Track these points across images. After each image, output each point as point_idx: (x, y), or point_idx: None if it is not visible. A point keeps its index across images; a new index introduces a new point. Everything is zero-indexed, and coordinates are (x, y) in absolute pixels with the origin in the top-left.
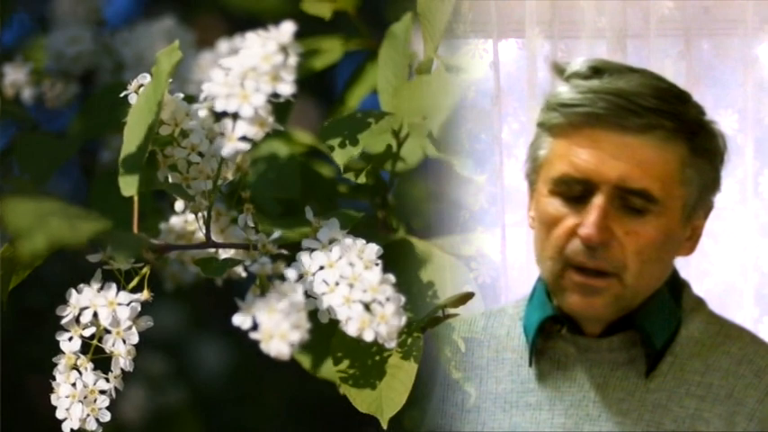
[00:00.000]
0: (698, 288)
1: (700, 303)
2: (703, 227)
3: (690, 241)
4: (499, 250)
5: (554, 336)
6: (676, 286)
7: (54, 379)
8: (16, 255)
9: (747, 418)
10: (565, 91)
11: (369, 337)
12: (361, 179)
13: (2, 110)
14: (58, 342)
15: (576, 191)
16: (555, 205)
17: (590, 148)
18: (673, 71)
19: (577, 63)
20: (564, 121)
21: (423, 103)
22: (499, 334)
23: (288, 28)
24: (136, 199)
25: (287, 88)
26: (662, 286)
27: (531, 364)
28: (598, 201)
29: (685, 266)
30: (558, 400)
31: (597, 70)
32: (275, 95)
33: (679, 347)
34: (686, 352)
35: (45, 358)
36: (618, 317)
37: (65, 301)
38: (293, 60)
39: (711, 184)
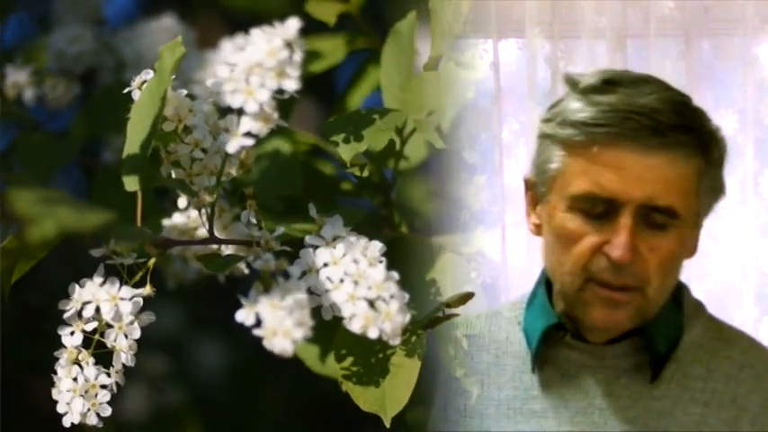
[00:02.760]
0: (698, 288)
1: (699, 307)
2: (702, 226)
3: (694, 244)
4: (499, 250)
5: (557, 342)
6: (677, 290)
7: (55, 377)
8: (25, 241)
9: (750, 422)
10: (582, 107)
11: (373, 334)
12: (365, 173)
13: (3, 110)
14: (58, 341)
15: (599, 209)
16: (576, 222)
17: (614, 167)
18: (673, 71)
19: (591, 76)
20: (586, 140)
21: (432, 98)
22: (498, 338)
23: (293, 24)
24: (139, 194)
25: (292, 84)
26: None
27: (534, 371)
28: (626, 221)
29: (685, 266)
30: (563, 407)
31: (611, 82)
32: (280, 91)
33: (682, 353)
34: (689, 357)
35: (45, 357)
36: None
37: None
38: (298, 56)
39: (720, 189)
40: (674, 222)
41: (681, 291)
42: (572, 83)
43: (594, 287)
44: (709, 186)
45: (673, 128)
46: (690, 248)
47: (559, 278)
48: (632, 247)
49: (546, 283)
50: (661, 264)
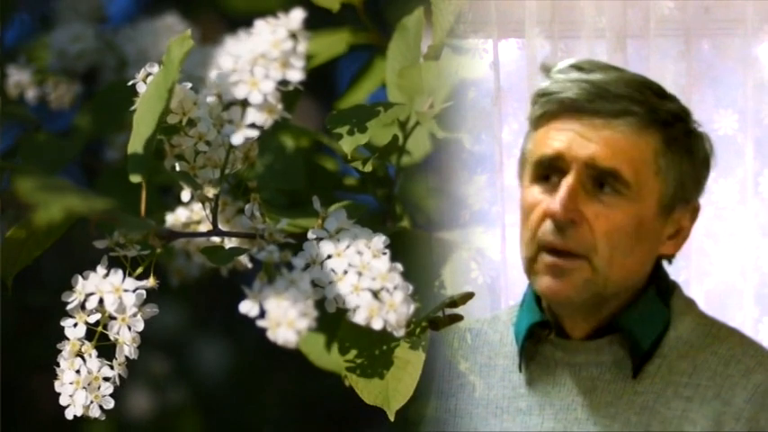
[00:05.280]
0: (698, 288)
1: (690, 305)
2: (690, 228)
3: (673, 240)
4: (499, 250)
5: (542, 341)
6: (665, 288)
7: (55, 376)
8: (32, 228)
9: (734, 418)
10: (544, 84)
11: (378, 325)
12: (368, 167)
13: (5, 110)
14: (58, 341)
15: (550, 172)
16: (533, 193)
17: (564, 130)
18: (673, 71)
19: (563, 62)
20: (542, 111)
21: (429, 82)
22: (492, 340)
23: (297, 15)
24: (144, 188)
25: (296, 75)
26: (648, 288)
27: (520, 370)
28: (568, 179)
29: (685, 266)
30: (547, 404)
31: (580, 68)
32: (284, 83)
33: (667, 349)
34: (674, 353)
35: (45, 357)
36: (591, 303)
37: (65, 301)
38: (302, 47)
39: (691, 183)
40: (623, 191)
41: (670, 288)
42: (546, 69)
43: (543, 255)
44: (671, 170)
45: (621, 96)
46: (667, 243)
47: (521, 253)
48: (571, 204)
49: None
50: (607, 232)
